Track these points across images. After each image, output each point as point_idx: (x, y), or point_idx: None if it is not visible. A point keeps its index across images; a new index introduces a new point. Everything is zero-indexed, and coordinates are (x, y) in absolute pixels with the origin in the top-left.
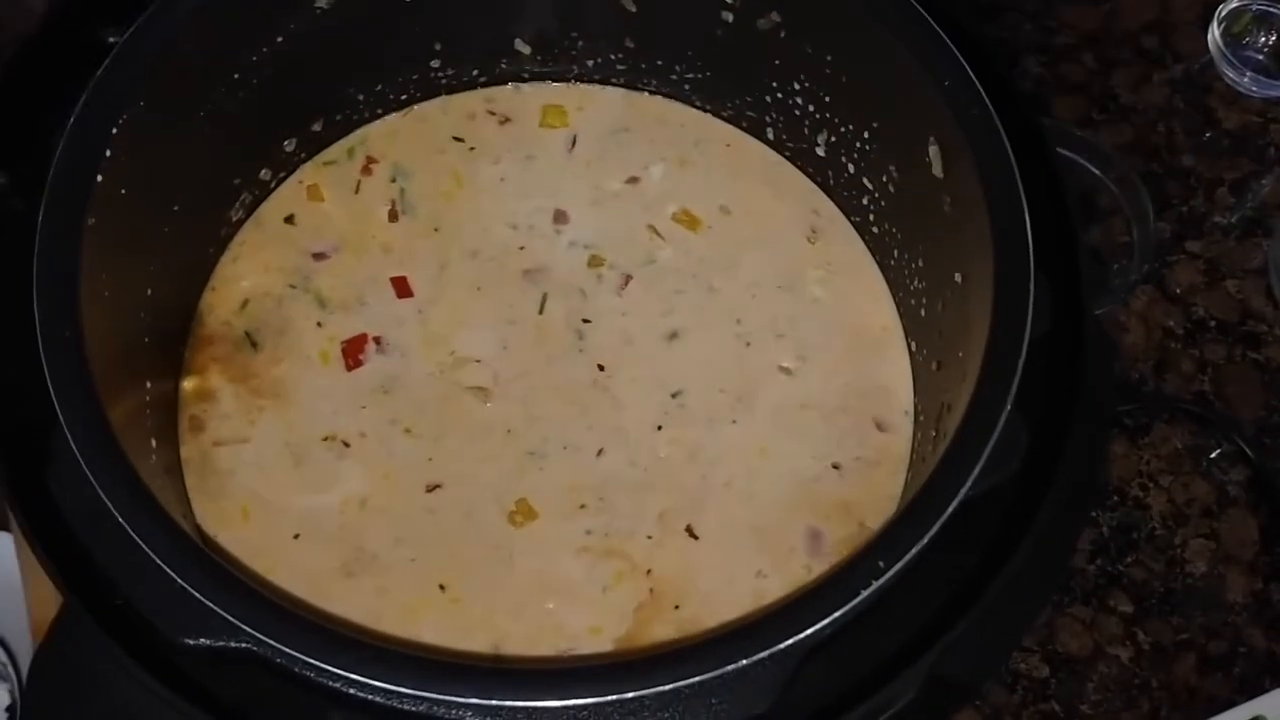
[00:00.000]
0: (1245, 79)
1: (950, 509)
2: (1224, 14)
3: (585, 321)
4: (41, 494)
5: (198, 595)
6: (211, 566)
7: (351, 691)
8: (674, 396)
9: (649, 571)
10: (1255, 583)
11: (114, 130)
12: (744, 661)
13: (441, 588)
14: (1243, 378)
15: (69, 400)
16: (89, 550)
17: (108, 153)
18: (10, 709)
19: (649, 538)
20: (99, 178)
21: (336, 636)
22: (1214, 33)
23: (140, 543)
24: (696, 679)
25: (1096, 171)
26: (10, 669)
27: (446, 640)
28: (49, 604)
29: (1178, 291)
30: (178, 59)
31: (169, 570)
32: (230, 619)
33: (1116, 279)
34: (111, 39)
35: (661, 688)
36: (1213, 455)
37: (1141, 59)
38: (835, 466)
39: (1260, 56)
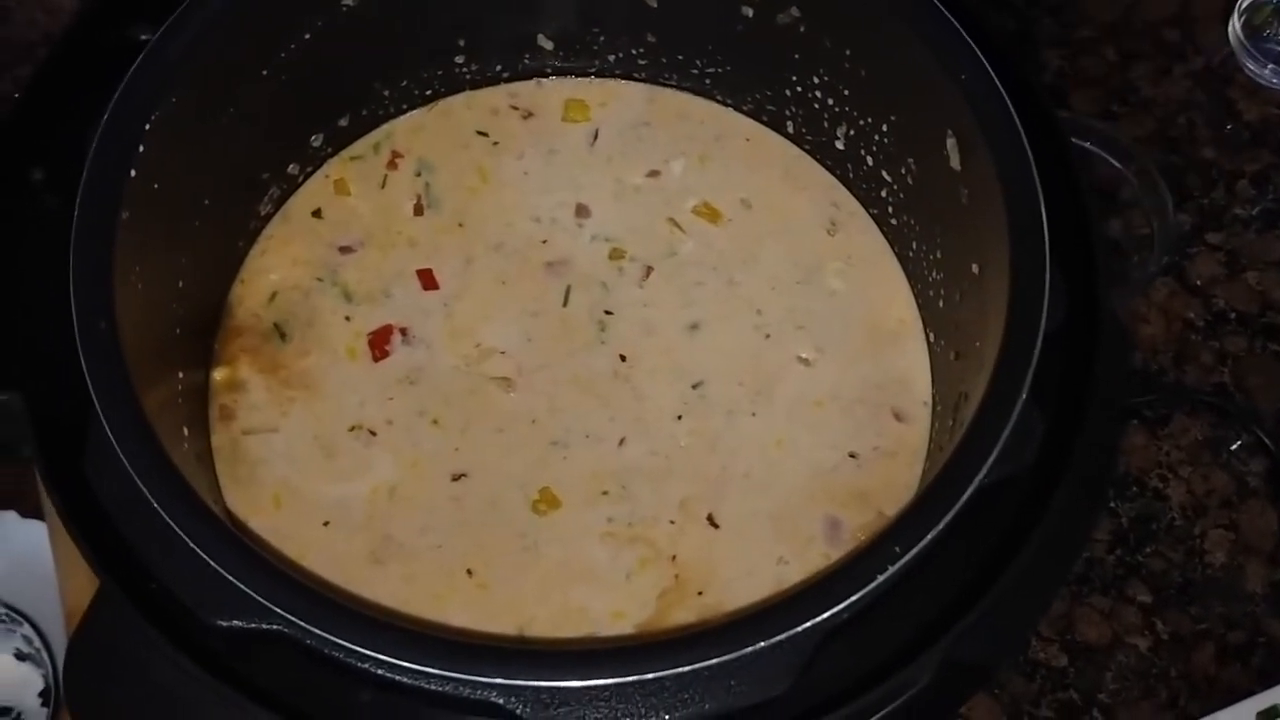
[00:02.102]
0: (1266, 71)
1: (965, 497)
2: (1244, 6)
3: (607, 313)
4: (78, 481)
5: (230, 578)
6: (244, 550)
7: (380, 672)
8: (694, 387)
9: (674, 557)
10: (1274, 573)
11: (146, 127)
12: (762, 644)
13: (469, 573)
14: (1263, 369)
15: (105, 390)
16: (124, 535)
17: (140, 149)
18: (44, 693)
19: (672, 523)
20: (132, 174)
21: (365, 619)
22: (1234, 25)
23: (174, 526)
24: (715, 661)
25: (1117, 164)
26: (45, 655)
27: (473, 625)
28: (82, 591)
29: (1198, 283)
30: (208, 57)
31: (202, 553)
32: (262, 601)
33: (1136, 271)
34: (144, 37)
35: (681, 669)
36: (1232, 447)
37: (1162, 52)
38: (853, 456)
39: None
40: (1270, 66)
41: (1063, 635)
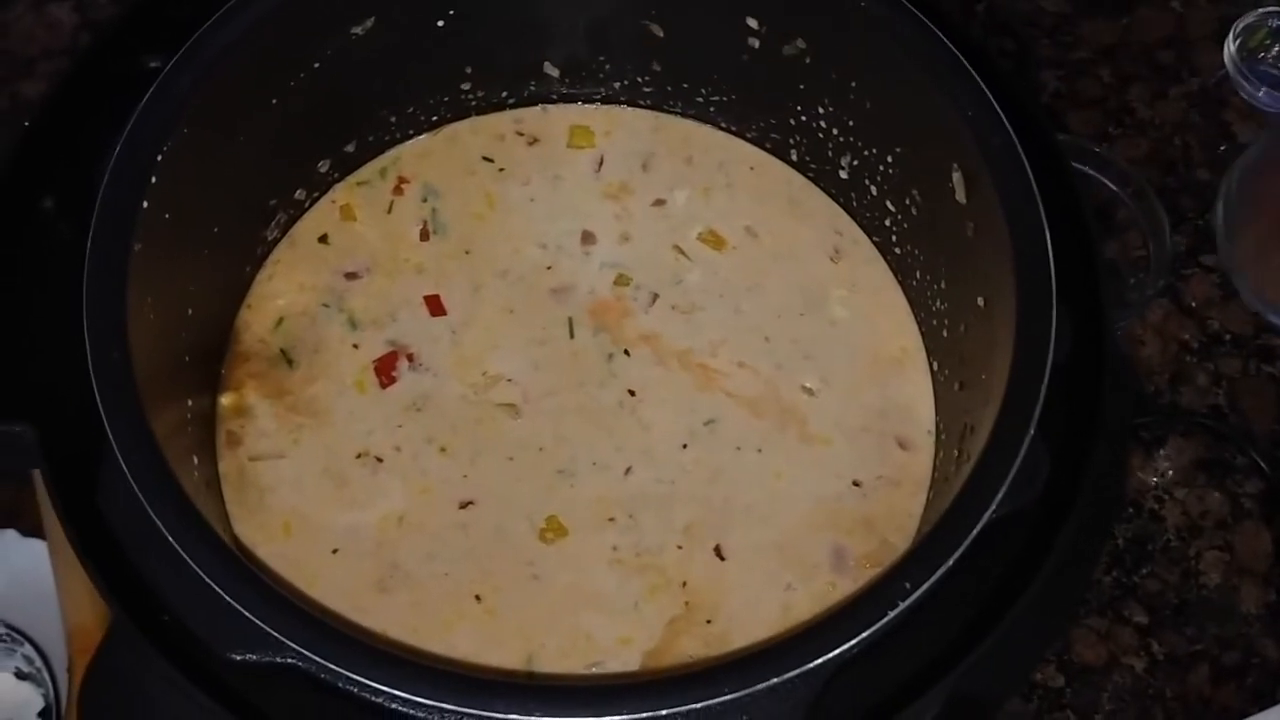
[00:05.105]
0: (1260, 93)
1: (974, 533)
2: (1240, 29)
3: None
4: (91, 512)
5: (244, 611)
6: (257, 583)
7: (394, 706)
8: (702, 419)
9: (684, 584)
10: (1269, 594)
11: (159, 157)
12: (774, 680)
13: (477, 598)
14: (1257, 391)
15: (118, 422)
16: (137, 567)
17: (153, 180)
18: (44, 713)
19: (679, 548)
20: (144, 204)
21: (379, 653)
22: (1230, 47)
23: (188, 560)
24: (728, 697)
25: (1112, 186)
26: (45, 674)
27: (481, 651)
28: (83, 610)
29: (1193, 305)
30: (219, 86)
31: (216, 587)
32: (276, 635)
33: (1132, 293)
34: (154, 65)
35: (693, 705)
36: (1227, 468)
37: (1158, 74)
38: (857, 484)
39: (1276, 71)
40: (1265, 89)
41: (1060, 655)
